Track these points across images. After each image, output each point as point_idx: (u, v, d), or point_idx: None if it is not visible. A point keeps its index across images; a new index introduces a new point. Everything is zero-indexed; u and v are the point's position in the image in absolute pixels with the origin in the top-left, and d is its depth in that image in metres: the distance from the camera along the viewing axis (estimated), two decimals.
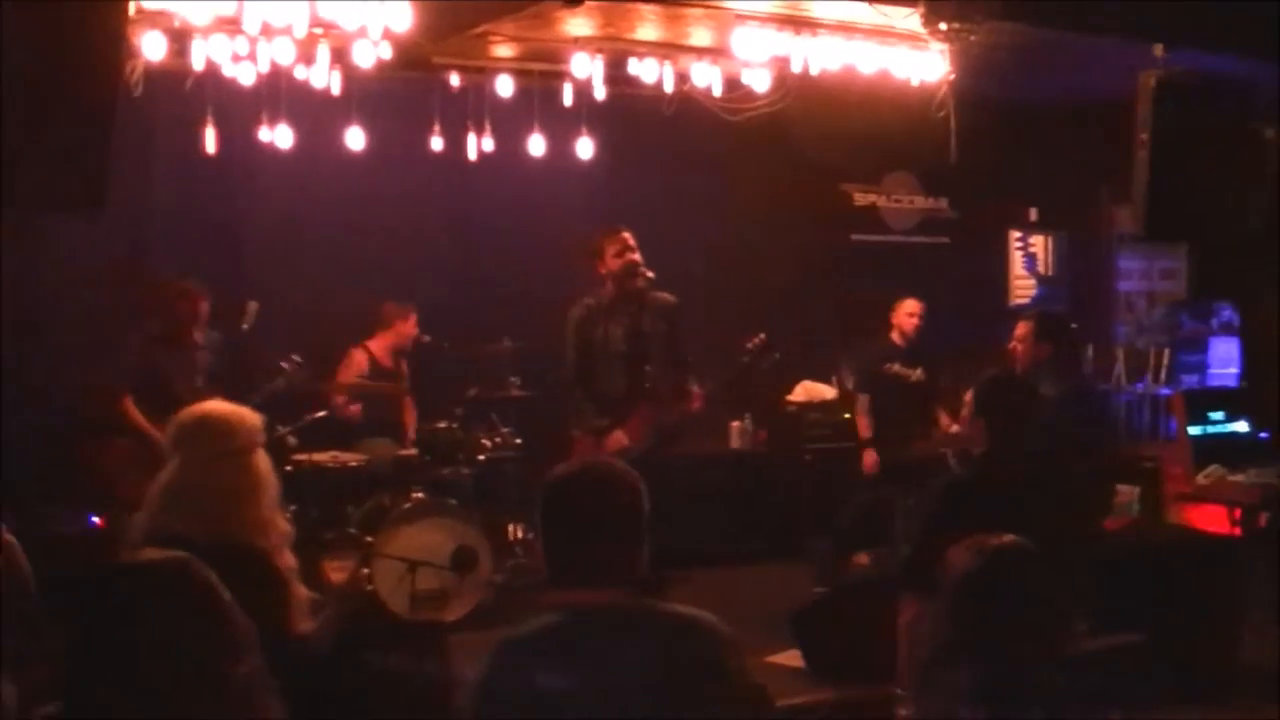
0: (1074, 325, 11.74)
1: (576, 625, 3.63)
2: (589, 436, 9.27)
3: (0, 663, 3.84)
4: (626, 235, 9.23)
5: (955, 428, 10.59)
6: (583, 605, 3.65)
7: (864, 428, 10.96)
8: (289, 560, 4.94)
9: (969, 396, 6.26)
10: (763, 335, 9.51)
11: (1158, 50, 8.67)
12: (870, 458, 10.71)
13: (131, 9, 7.50)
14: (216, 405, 5.11)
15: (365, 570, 5.31)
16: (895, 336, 11.05)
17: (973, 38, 8.52)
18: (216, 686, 3.04)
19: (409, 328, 10.74)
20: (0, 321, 9.74)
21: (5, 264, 9.94)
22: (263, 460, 5.00)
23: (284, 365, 9.54)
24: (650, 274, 9.26)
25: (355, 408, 10.47)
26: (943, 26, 8.46)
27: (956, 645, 3.71)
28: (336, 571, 5.27)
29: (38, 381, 10.16)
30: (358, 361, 10.62)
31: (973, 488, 5.90)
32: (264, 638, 4.61)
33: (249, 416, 5.02)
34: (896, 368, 10.96)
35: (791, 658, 8.58)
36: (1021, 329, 9.15)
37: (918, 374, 10.88)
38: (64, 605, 4.44)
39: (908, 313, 10.96)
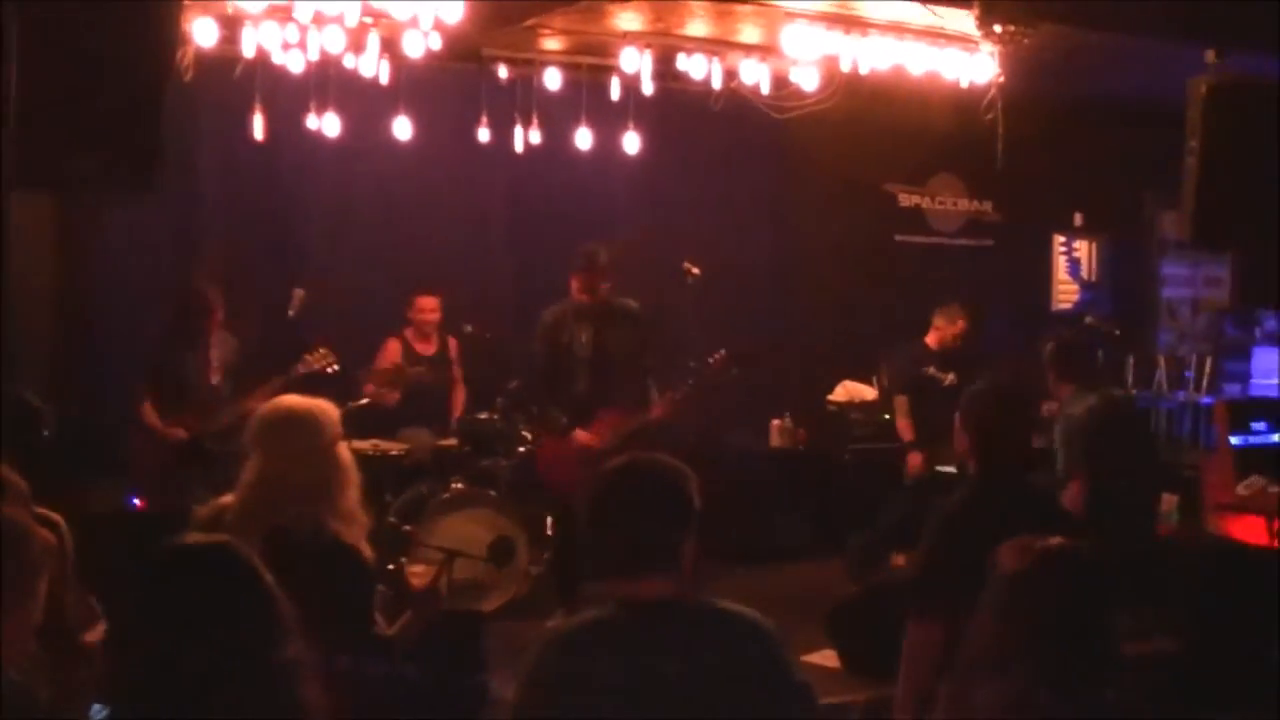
0: (1117, 332, 11.71)
1: (627, 618, 3.63)
2: (552, 436, 9.51)
3: (37, 662, 3.83)
4: (596, 267, 9.42)
5: None
6: (633, 599, 3.65)
7: (905, 430, 10.88)
8: (369, 552, 4.96)
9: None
10: (724, 351, 9.63)
11: (1210, 56, 8.61)
12: (914, 460, 10.67)
13: None
14: (297, 400, 5.08)
15: (445, 577, 5.31)
16: (931, 340, 11.02)
17: (1026, 40, 8.49)
18: (260, 671, 3.04)
19: (424, 313, 10.81)
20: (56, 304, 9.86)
21: (59, 249, 10.05)
22: (345, 452, 5.01)
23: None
24: (696, 270, 9.52)
25: (392, 395, 10.50)
26: (997, 28, 8.43)
27: (1000, 647, 3.69)
28: (416, 576, 5.26)
29: (83, 365, 10.24)
30: (391, 351, 10.68)
31: (970, 511, 5.38)
32: (350, 632, 4.66)
33: (329, 409, 5.02)
34: (931, 370, 10.93)
35: (827, 657, 8.58)
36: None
37: (950, 378, 10.83)
38: (107, 588, 4.46)
39: (955, 333, 10.94)
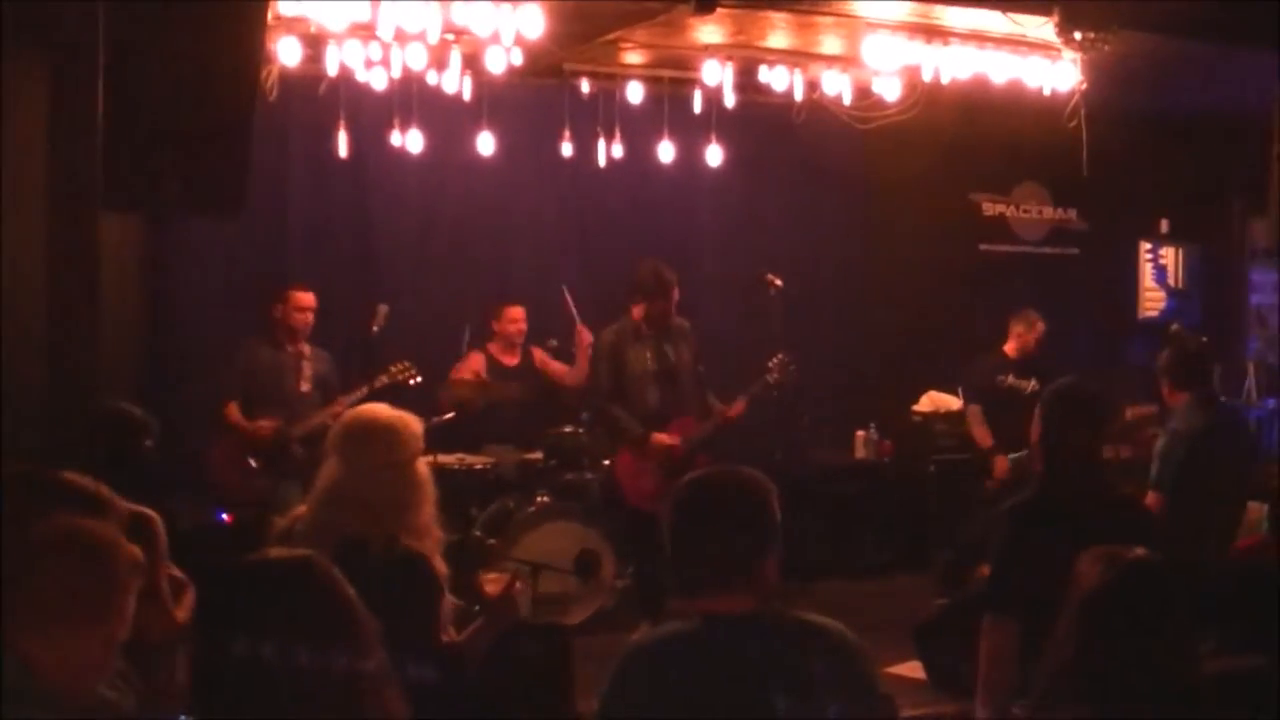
0: (1205, 339, 11.60)
1: (710, 633, 3.62)
2: (629, 448, 9.57)
3: (123, 675, 3.86)
4: (670, 295, 9.56)
5: None
6: (716, 613, 3.64)
7: (984, 437, 10.88)
8: (441, 566, 4.98)
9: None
10: (781, 355, 9.80)
11: None
12: (1001, 464, 10.63)
13: (269, 15, 7.61)
14: (380, 411, 5.10)
15: (519, 585, 5.32)
16: (1009, 349, 10.98)
17: (1106, 47, 8.45)
18: (344, 684, 3.06)
19: (507, 324, 10.71)
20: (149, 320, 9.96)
21: (146, 266, 10.15)
22: (423, 468, 5.03)
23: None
24: (779, 282, 9.82)
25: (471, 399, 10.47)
26: (1078, 35, 8.40)
27: (1082, 662, 3.64)
28: (491, 583, 5.26)
29: (170, 382, 10.34)
30: (474, 363, 10.64)
31: (1037, 507, 5.45)
32: (416, 642, 4.69)
33: (412, 424, 5.02)
34: (1010, 380, 10.88)
35: (913, 669, 8.55)
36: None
37: (1032, 385, 10.78)
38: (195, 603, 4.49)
39: (1035, 338, 10.90)
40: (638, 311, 9.55)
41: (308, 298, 9.89)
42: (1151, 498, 7.94)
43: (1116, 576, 3.68)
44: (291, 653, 3.01)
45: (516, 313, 10.75)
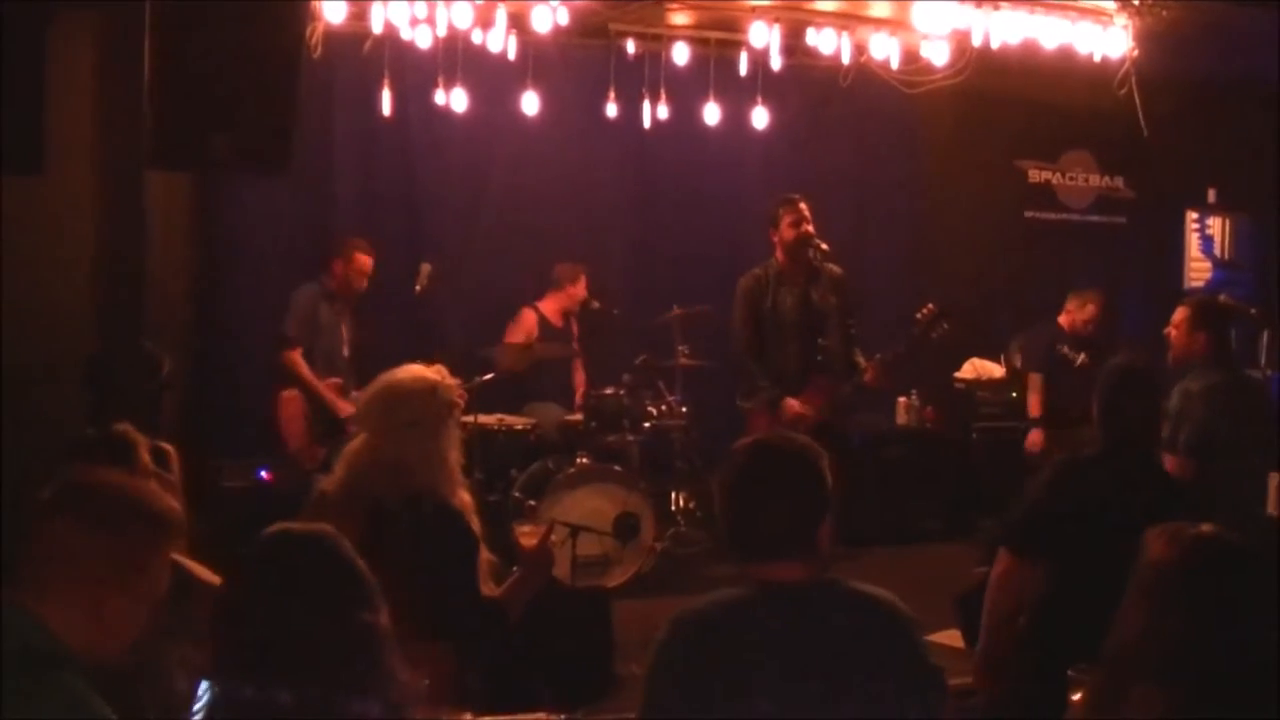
0: (1253, 310, 11.48)
1: (762, 600, 3.60)
2: (761, 408, 9.26)
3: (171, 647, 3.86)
4: (803, 206, 9.22)
5: None
6: (768, 581, 3.62)
7: (1034, 406, 10.84)
8: (475, 524, 4.98)
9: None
10: (931, 305, 9.39)
11: None
12: (1034, 438, 10.61)
13: None
14: (407, 372, 5.11)
15: (555, 537, 5.33)
16: (1063, 321, 10.93)
17: (1164, 12, 8.38)
18: (343, 650, 3.08)
19: (579, 290, 10.76)
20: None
21: (195, 226, 10.16)
22: (450, 428, 5.04)
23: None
24: (824, 246, 9.22)
25: (520, 364, 10.44)
26: (1135, 0, 8.33)
27: (1150, 640, 3.53)
28: (526, 536, 5.26)
29: (219, 341, 10.36)
30: (527, 321, 10.63)
31: (1086, 471, 5.57)
32: (457, 595, 4.70)
33: (436, 386, 5.05)
34: (1065, 349, 10.83)
35: (952, 637, 8.50)
36: (1178, 314, 8.85)
37: (1082, 358, 10.73)
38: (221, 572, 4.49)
39: (1084, 319, 10.85)
40: (781, 253, 9.32)
41: (369, 261, 9.88)
42: (1171, 462, 7.82)
43: (1184, 553, 3.58)
44: (296, 629, 3.04)
45: (584, 282, 10.76)
